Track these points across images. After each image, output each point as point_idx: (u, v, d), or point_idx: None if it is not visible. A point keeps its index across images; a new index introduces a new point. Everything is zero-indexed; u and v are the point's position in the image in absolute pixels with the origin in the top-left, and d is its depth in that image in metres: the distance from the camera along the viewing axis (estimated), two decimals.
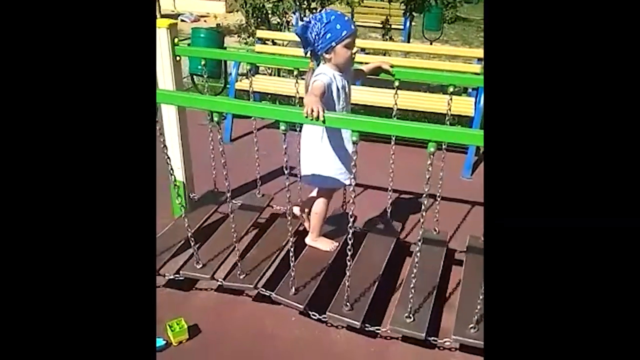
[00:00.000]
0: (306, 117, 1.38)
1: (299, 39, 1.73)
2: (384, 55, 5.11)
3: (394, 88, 2.07)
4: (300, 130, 1.92)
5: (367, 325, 1.73)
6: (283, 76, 4.46)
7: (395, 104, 2.09)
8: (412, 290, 1.62)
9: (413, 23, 7.78)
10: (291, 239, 1.73)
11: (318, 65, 1.76)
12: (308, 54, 1.75)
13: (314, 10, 4.10)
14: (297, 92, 2.26)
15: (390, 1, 4.43)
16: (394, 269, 2.12)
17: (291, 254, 1.74)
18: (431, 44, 7.29)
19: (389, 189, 2.26)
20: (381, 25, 4.84)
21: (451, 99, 2.09)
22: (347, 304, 1.71)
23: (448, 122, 2.13)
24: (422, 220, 1.48)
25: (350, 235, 1.59)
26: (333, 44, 1.64)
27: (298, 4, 4.06)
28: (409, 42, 7.22)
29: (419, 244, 1.54)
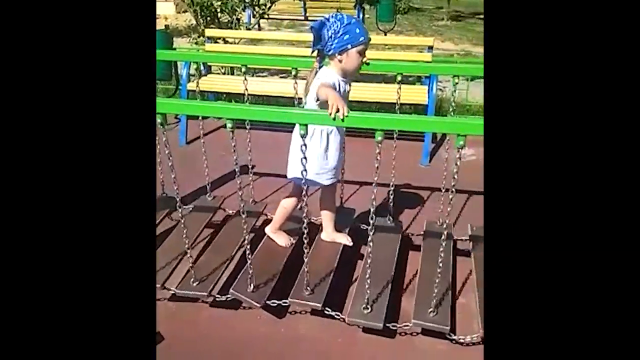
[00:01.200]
0: (331, 116, 1.35)
1: (311, 35, 1.71)
2: None
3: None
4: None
5: (327, 309, 1.73)
6: (238, 75, 4.39)
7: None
8: (368, 281, 1.63)
9: (366, 15, 7.86)
10: (247, 237, 1.71)
11: (321, 66, 1.75)
12: (314, 53, 1.74)
13: (264, 7, 4.05)
14: (246, 89, 2.23)
15: None
16: (352, 257, 2.13)
17: (247, 252, 1.71)
18: (385, 34, 7.36)
19: (340, 179, 2.26)
20: None
21: (400, 88, 2.11)
22: (308, 288, 1.72)
23: (398, 111, 2.15)
24: (372, 209, 1.49)
25: (305, 226, 1.58)
26: (349, 46, 1.64)
27: (247, 0, 3.99)
28: None
29: (371, 233, 1.55)
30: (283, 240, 2.05)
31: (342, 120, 1.34)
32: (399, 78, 2.08)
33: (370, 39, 1.69)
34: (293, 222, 2.10)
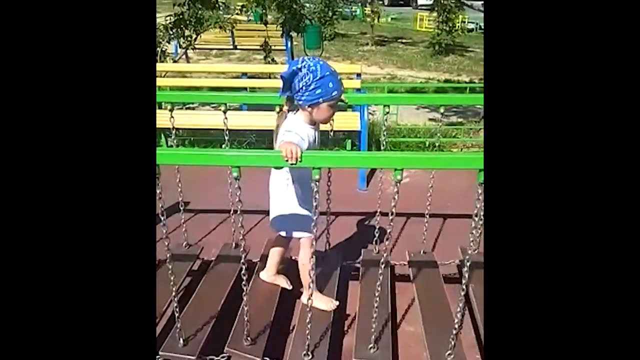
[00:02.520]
0: (286, 160, 1.28)
1: (281, 82, 1.58)
2: (269, 78, 5.14)
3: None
4: None
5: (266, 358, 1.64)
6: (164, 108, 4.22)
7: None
8: (308, 326, 1.56)
9: (295, 43, 8.01)
10: (174, 288, 1.57)
11: (290, 110, 1.64)
12: (283, 97, 1.61)
13: (189, 38, 3.96)
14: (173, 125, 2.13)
15: (266, 24, 4.47)
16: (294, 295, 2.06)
17: (175, 306, 1.59)
18: None
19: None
20: (261, 47, 4.84)
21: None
22: (248, 338, 1.62)
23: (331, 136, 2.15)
24: (314, 240, 1.45)
25: (244, 268, 1.50)
26: (321, 100, 1.55)
27: (171, 33, 3.88)
28: None
29: (312, 272, 1.50)
30: (324, 304, 1.86)
31: (299, 162, 1.29)
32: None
33: (343, 91, 1.60)
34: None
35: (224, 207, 1.88)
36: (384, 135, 2.26)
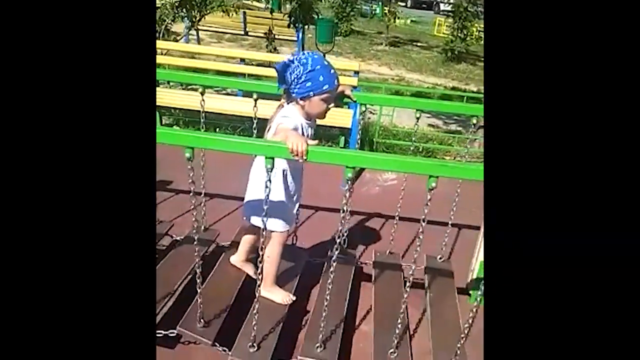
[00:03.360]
0: (291, 153, 1.24)
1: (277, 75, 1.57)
2: (269, 66, 5.11)
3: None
4: None
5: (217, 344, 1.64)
6: (172, 87, 4.24)
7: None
8: (255, 317, 1.55)
9: (309, 35, 7.97)
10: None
11: (288, 103, 1.62)
12: (281, 90, 1.60)
13: (194, 19, 3.95)
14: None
15: (272, 12, 4.42)
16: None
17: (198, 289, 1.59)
18: (324, 56, 7.50)
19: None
20: (266, 35, 4.81)
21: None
22: (254, 344, 1.58)
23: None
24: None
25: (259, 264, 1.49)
26: (311, 93, 1.52)
27: (176, 12, 3.87)
28: None
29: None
30: (280, 297, 1.85)
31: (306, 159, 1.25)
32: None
33: (338, 85, 1.56)
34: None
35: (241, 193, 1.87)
36: (377, 135, 2.25)
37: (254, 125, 2.00)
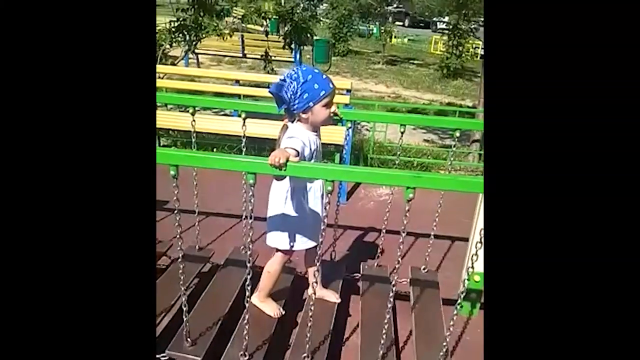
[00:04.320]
0: (271, 165, 1.27)
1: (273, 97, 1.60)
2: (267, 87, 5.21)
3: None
4: None
5: None
6: (170, 109, 4.34)
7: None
8: (246, 327, 1.57)
9: (307, 56, 8.13)
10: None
11: (292, 122, 1.65)
12: (282, 111, 1.63)
13: (190, 43, 4.07)
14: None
15: (267, 34, 4.56)
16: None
17: (184, 306, 1.61)
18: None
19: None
20: (263, 57, 4.93)
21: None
22: (245, 353, 1.60)
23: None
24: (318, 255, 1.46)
25: (249, 278, 1.50)
26: (311, 104, 1.55)
27: (173, 37, 3.98)
28: None
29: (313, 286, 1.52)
30: (271, 309, 1.86)
31: (284, 170, 1.27)
32: None
33: (334, 87, 1.58)
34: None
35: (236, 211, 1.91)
36: (372, 151, 2.30)
37: (243, 143, 2.06)
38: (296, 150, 1.46)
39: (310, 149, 1.61)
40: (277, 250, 1.81)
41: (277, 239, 1.76)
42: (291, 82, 1.54)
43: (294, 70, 1.56)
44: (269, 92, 1.60)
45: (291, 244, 1.76)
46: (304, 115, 1.59)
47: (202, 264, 2.18)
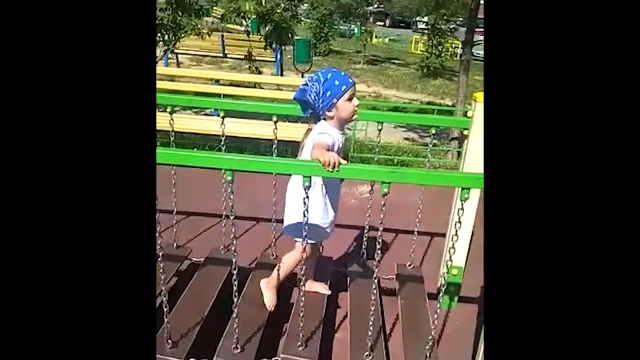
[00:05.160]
0: (325, 169, 1.32)
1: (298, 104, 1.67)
2: (255, 87, 5.21)
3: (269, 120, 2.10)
4: None
5: None
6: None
7: (276, 137, 2.14)
8: (236, 321, 1.58)
9: (288, 55, 8.13)
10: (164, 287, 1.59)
11: (316, 123, 1.72)
12: (308, 116, 1.71)
13: (168, 43, 4.03)
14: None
15: (249, 34, 4.55)
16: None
17: (165, 309, 1.59)
18: (302, 75, 7.65)
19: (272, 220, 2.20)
20: (245, 57, 4.93)
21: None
22: (237, 345, 1.61)
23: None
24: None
25: (235, 273, 1.51)
26: (334, 100, 1.62)
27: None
28: (281, 74, 7.51)
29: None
30: (269, 300, 1.89)
31: (336, 171, 1.33)
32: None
33: (354, 82, 1.67)
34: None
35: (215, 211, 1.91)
36: (353, 149, 2.32)
37: (222, 142, 2.06)
38: (328, 145, 1.54)
39: (338, 146, 1.68)
40: (296, 241, 1.85)
41: (297, 231, 1.77)
42: (313, 84, 1.62)
43: (315, 74, 1.66)
44: (294, 98, 1.68)
45: (311, 234, 1.78)
46: (329, 113, 1.66)
47: (179, 262, 2.17)
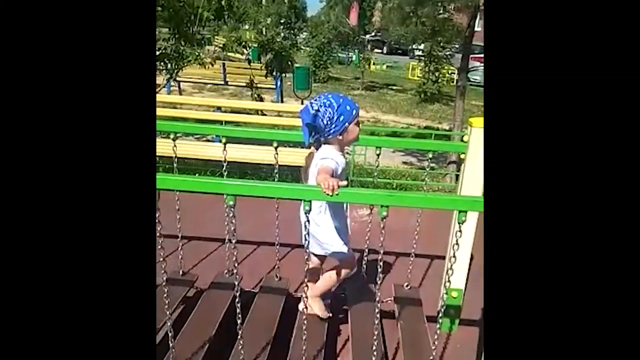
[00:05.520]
0: (326, 193, 1.35)
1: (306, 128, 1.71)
2: (257, 114, 5.31)
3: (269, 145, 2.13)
4: None
5: None
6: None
7: (277, 162, 2.16)
8: (241, 342, 1.58)
9: (287, 82, 8.29)
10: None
11: (318, 148, 1.77)
12: (311, 142, 1.74)
13: (172, 71, 4.13)
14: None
15: (250, 62, 4.68)
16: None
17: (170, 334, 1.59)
18: (302, 102, 7.79)
19: (277, 243, 2.23)
20: (247, 85, 5.05)
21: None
22: None
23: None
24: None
25: (238, 296, 1.51)
26: (347, 124, 1.70)
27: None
28: (282, 100, 7.65)
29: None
30: (320, 309, 1.98)
31: (336, 195, 1.35)
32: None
33: (358, 107, 1.76)
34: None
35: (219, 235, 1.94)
36: (352, 173, 2.36)
37: (224, 168, 2.10)
38: (332, 170, 1.59)
39: (342, 168, 1.74)
40: (339, 257, 1.92)
41: (337, 247, 1.88)
42: (326, 110, 1.67)
43: (323, 98, 1.71)
44: (304, 124, 1.70)
45: (343, 247, 1.89)
46: (339, 137, 1.72)
47: (186, 288, 2.18)
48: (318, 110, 1.68)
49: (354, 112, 1.71)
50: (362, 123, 2.00)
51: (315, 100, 1.72)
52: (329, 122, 1.68)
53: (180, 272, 2.26)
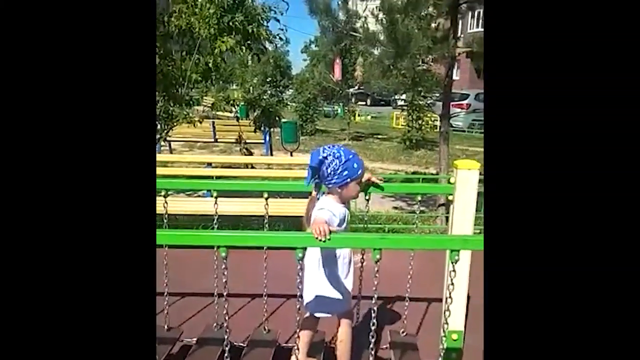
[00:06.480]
0: (317, 238, 1.35)
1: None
2: (247, 167, 5.39)
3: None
4: None
5: None
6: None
7: (267, 213, 2.16)
8: None
9: (276, 137, 8.48)
10: None
11: (318, 194, 1.80)
12: (311, 186, 1.78)
13: (163, 131, 4.23)
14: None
15: (238, 119, 4.83)
16: None
17: None
18: (291, 154, 7.94)
19: (264, 294, 2.20)
20: (236, 141, 5.16)
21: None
22: None
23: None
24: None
25: (226, 350, 1.48)
26: (348, 180, 1.72)
27: None
28: (271, 154, 7.78)
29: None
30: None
31: (328, 240, 1.35)
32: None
33: (365, 168, 1.78)
34: None
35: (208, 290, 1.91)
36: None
37: (215, 221, 2.11)
38: (326, 221, 1.57)
39: (340, 220, 1.75)
40: (339, 317, 1.91)
41: (336, 306, 1.85)
42: (333, 160, 1.70)
43: (334, 149, 1.74)
44: (310, 166, 1.74)
45: (323, 307, 1.86)
46: (338, 190, 1.75)
47: (171, 345, 2.10)
48: (326, 158, 1.71)
49: (359, 171, 1.74)
50: None
51: (329, 147, 1.76)
52: (332, 172, 1.71)
53: (165, 328, 2.20)
